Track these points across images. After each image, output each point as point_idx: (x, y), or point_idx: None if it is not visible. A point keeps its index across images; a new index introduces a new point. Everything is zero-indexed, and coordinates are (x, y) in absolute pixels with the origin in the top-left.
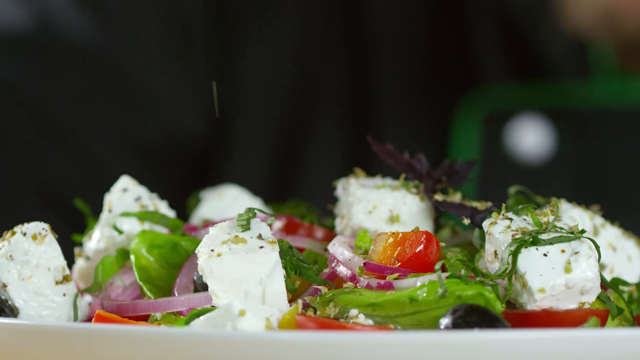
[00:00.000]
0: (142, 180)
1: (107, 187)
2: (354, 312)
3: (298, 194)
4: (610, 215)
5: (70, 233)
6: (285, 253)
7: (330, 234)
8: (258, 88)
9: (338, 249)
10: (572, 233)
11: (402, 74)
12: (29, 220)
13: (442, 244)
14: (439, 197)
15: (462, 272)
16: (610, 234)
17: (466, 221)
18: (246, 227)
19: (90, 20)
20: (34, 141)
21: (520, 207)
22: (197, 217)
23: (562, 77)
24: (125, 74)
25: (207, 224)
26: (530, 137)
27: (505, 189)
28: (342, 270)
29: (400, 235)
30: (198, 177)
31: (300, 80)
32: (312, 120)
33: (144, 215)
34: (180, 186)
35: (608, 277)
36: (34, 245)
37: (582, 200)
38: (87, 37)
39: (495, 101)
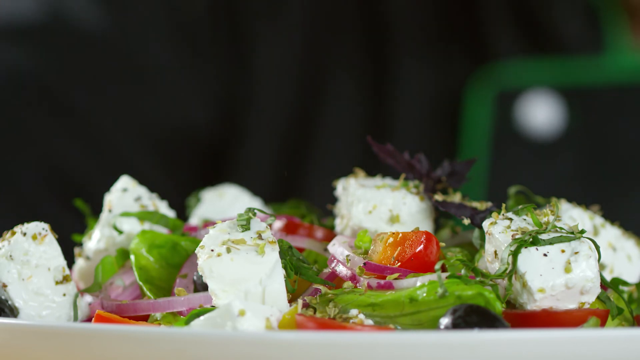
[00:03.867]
0: (153, 169)
1: (118, 173)
2: (354, 312)
3: (309, 187)
4: (622, 192)
5: (79, 218)
6: (285, 253)
7: (330, 234)
8: (269, 79)
9: (338, 249)
10: (572, 233)
11: (414, 48)
12: (40, 205)
13: (442, 244)
14: (439, 197)
15: (462, 272)
16: (610, 234)
17: (466, 221)
18: (246, 227)
19: (100, 9)
20: (48, 126)
21: (520, 207)
22: (197, 217)
23: (575, 53)
24: (135, 63)
25: (207, 224)
26: (542, 114)
27: (516, 166)
28: (342, 270)
29: (400, 235)
30: (209, 168)
31: (312, 70)
32: (324, 109)
33: (144, 215)
34: (191, 176)
35: (608, 277)
36: (34, 245)
37: (593, 176)
38: (97, 25)
39: (507, 77)
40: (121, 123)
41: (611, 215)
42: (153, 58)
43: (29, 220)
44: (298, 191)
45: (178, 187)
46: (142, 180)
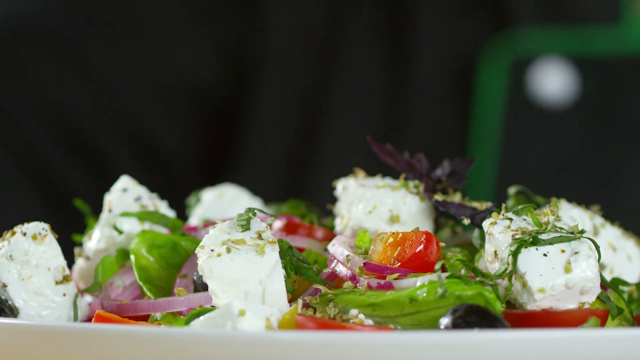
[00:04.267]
0: (156, 116)
1: (126, 125)
2: (354, 312)
3: (320, 157)
4: (634, 164)
5: (85, 171)
6: (285, 253)
7: (330, 234)
8: (283, 40)
9: (338, 249)
10: (572, 233)
11: (430, 13)
12: (46, 151)
13: (442, 244)
14: (439, 197)
15: (462, 272)
16: (610, 234)
17: (466, 221)
18: (246, 227)
19: None
20: (55, 72)
21: (520, 207)
22: (197, 217)
23: (592, 23)
24: (143, 15)
25: (207, 224)
26: (556, 83)
27: (529, 136)
28: (342, 270)
29: (400, 235)
30: (218, 126)
31: (328, 32)
32: (340, 75)
33: (144, 215)
34: (199, 132)
35: (608, 277)
36: (34, 245)
37: (604, 146)
38: None
39: (524, 45)
40: (129, 73)
41: (620, 188)
42: (161, 10)
43: (29, 169)
44: (313, 158)
45: (187, 143)
46: (147, 133)
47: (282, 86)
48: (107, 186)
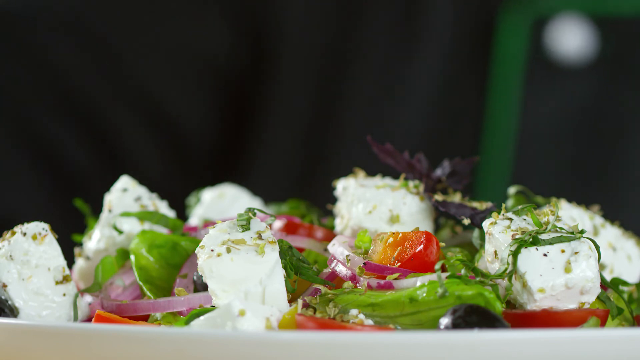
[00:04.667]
0: (169, 89)
1: (137, 101)
2: (354, 312)
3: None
4: None
5: (91, 142)
6: (285, 253)
7: (330, 234)
8: (299, 21)
9: (338, 249)
10: (572, 233)
11: None
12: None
13: (442, 244)
14: (439, 197)
15: (462, 272)
16: (610, 234)
17: (466, 221)
18: (246, 227)
19: None
20: (68, 48)
21: (520, 207)
22: (197, 217)
23: None
24: None
25: (207, 224)
26: (575, 41)
27: (549, 94)
28: (342, 270)
29: (400, 235)
30: (232, 99)
31: (342, 10)
32: (355, 49)
33: (144, 215)
34: (212, 104)
35: (608, 277)
36: (34, 245)
37: (621, 106)
38: None
39: (543, 3)
40: (141, 47)
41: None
42: None
43: (35, 143)
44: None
45: (202, 117)
46: (157, 105)
47: (299, 69)
48: (120, 169)
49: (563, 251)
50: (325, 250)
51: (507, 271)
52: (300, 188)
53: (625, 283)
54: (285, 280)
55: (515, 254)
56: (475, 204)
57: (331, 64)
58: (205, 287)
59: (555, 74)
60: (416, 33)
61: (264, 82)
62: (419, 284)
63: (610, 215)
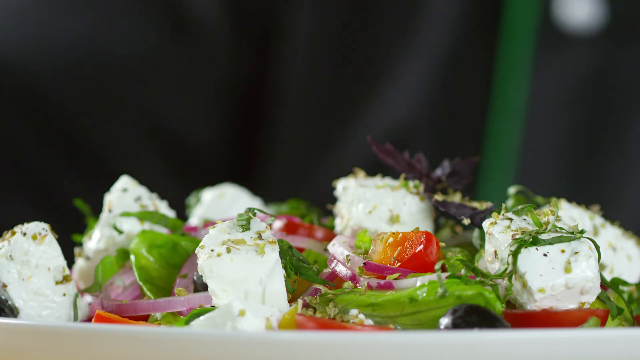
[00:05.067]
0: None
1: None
2: (354, 312)
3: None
4: None
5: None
6: (285, 253)
7: (330, 234)
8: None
9: (338, 249)
10: (572, 233)
11: None
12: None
13: (442, 244)
14: (439, 197)
15: (462, 272)
16: (610, 234)
17: (466, 221)
18: (246, 227)
19: None
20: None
21: (520, 207)
22: (197, 217)
23: None
24: None
25: (207, 224)
26: (585, 8)
27: (558, 61)
28: (342, 270)
29: (400, 235)
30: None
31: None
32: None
33: (144, 215)
34: (218, 113)
35: (608, 277)
36: (34, 245)
37: (632, 73)
38: None
39: None
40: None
41: None
42: None
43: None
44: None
45: (203, 121)
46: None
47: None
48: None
49: (563, 251)
50: (325, 250)
51: (507, 271)
52: (300, 188)
53: (625, 283)
54: (285, 280)
55: (515, 254)
56: (475, 204)
57: (336, 63)
58: (205, 287)
59: (565, 41)
60: (424, 4)
61: (267, 83)
62: (419, 284)
63: (622, 186)
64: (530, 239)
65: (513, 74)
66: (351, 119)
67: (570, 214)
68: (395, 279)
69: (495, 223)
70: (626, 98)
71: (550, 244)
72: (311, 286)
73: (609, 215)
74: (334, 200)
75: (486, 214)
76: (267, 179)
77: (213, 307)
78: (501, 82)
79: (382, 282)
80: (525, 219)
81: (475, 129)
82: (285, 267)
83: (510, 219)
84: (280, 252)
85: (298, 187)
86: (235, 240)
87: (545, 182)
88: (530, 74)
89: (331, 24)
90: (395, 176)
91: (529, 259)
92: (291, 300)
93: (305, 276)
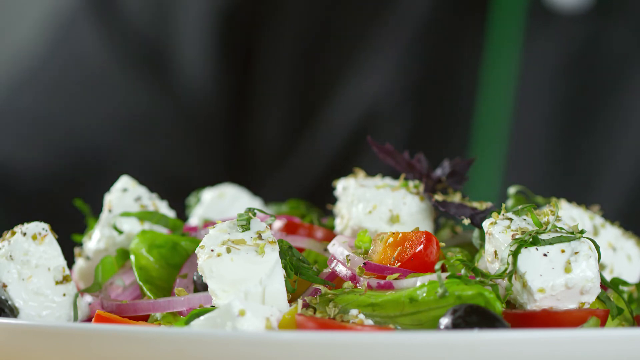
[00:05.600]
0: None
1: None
2: (354, 312)
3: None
4: None
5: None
6: (285, 253)
7: (330, 234)
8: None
9: (338, 249)
10: (572, 233)
11: None
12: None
13: (442, 244)
14: (439, 197)
15: (462, 272)
16: (610, 234)
17: (466, 221)
18: (246, 227)
19: None
20: None
21: (520, 207)
22: (197, 217)
23: None
24: None
25: (207, 224)
26: None
27: (550, 42)
28: (342, 270)
29: (400, 235)
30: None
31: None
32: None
33: (144, 215)
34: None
35: (608, 277)
36: (34, 245)
37: (619, 49)
38: None
39: None
40: None
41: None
42: None
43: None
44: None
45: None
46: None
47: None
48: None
49: (563, 251)
50: (325, 250)
51: (507, 271)
52: (301, 188)
53: (625, 283)
54: (285, 280)
55: (515, 254)
56: (475, 204)
57: (312, 43)
58: (205, 287)
59: (554, 19)
60: None
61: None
62: (419, 284)
63: (609, 163)
64: (530, 239)
65: (502, 52)
66: (326, 101)
67: (570, 214)
68: (395, 279)
69: (495, 223)
70: (615, 74)
71: (550, 244)
72: (311, 286)
73: (598, 191)
74: (306, 184)
75: (486, 214)
76: (250, 165)
77: (213, 307)
78: (490, 60)
79: (382, 282)
80: (525, 219)
81: (465, 107)
82: (285, 267)
83: (510, 219)
84: (280, 252)
85: (276, 170)
86: (235, 240)
87: (535, 160)
88: (520, 52)
89: (309, 5)
90: (395, 176)
91: (529, 259)
92: (291, 300)
93: (305, 276)
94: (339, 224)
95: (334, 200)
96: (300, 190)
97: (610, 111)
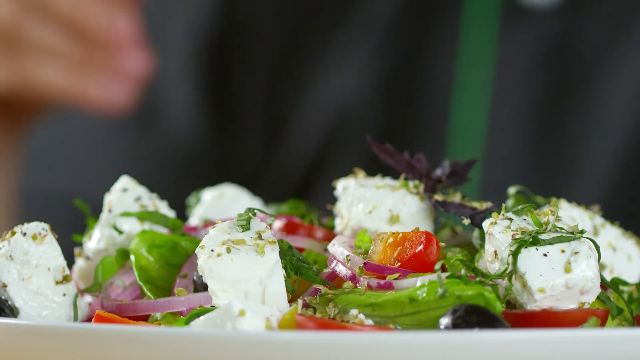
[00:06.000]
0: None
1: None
2: (354, 312)
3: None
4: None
5: None
6: (285, 253)
7: (330, 234)
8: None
9: (338, 249)
10: (572, 233)
11: None
12: None
13: (442, 244)
14: (439, 197)
15: (462, 272)
16: (610, 234)
17: (466, 221)
18: (246, 227)
19: None
20: None
21: (520, 207)
22: (197, 217)
23: None
24: None
25: (207, 224)
26: None
27: (524, 39)
28: (342, 270)
29: (400, 235)
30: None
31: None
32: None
33: (144, 215)
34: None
35: (608, 277)
36: (34, 245)
37: (593, 42)
38: None
39: None
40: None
41: (616, 73)
42: None
43: None
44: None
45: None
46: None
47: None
48: None
49: (563, 251)
50: (325, 250)
51: (507, 271)
52: (301, 189)
53: (625, 283)
54: (285, 280)
55: (515, 254)
56: (475, 204)
57: (282, 36)
58: (205, 287)
59: (528, 16)
60: None
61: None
62: (419, 284)
63: (584, 155)
64: (530, 239)
65: (476, 48)
66: (298, 96)
67: (570, 214)
68: (395, 279)
69: (495, 223)
70: (588, 69)
71: (550, 244)
72: (311, 286)
73: (574, 185)
74: (281, 180)
75: (486, 214)
76: (231, 159)
77: (213, 307)
78: (465, 57)
79: (382, 282)
80: (525, 219)
81: (440, 104)
82: (285, 267)
83: (510, 219)
84: (280, 252)
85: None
86: (235, 240)
87: (512, 156)
88: (494, 48)
89: (279, 9)
90: (395, 176)
91: (529, 259)
92: (291, 300)
93: (305, 276)
94: (339, 224)
95: (313, 199)
96: (281, 192)
97: (585, 105)
